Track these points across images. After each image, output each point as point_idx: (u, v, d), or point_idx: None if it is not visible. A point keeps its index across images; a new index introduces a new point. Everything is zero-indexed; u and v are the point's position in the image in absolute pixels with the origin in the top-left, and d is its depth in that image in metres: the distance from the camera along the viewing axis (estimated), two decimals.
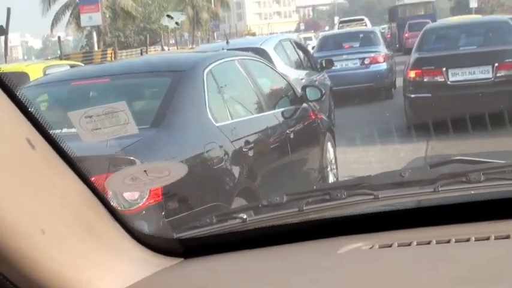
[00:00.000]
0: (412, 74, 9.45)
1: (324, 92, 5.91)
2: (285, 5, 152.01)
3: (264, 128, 4.68)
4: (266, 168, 4.41)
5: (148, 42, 40.46)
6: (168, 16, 7.11)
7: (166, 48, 28.00)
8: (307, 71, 9.94)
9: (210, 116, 3.97)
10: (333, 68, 13.01)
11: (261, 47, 8.64)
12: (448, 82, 9.21)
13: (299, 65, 9.64)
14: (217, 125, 3.99)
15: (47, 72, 8.02)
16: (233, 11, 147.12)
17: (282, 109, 5.36)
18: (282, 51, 9.03)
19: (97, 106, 1.41)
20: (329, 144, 6.38)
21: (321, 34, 18.47)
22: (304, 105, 5.87)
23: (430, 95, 9.25)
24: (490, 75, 9.16)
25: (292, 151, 5.01)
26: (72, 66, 9.11)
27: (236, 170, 3.93)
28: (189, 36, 49.91)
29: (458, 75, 9.24)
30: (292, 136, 5.12)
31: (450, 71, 9.23)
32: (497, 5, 69.37)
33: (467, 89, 9.11)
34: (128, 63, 5.44)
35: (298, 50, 9.90)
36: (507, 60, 9.22)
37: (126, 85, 4.13)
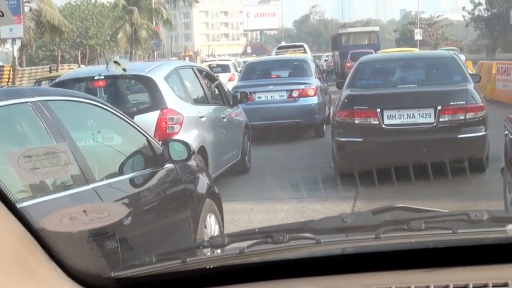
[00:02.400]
0: (341, 113, 8.30)
1: (192, 150, 4.20)
2: (233, 27, 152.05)
3: None
4: None
5: (87, 58, 38.51)
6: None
7: (83, 66, 26.00)
8: (215, 107, 8.52)
9: None
10: (257, 99, 11.75)
11: (148, 75, 7.00)
12: (383, 126, 8.09)
13: (202, 99, 8.25)
14: None
15: None
16: (181, 31, 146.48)
17: (120, 178, 3.62)
18: (176, 82, 7.54)
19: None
20: (211, 217, 4.67)
21: (249, 61, 16.99)
22: (168, 166, 4.12)
23: (361, 139, 8.17)
24: (431, 119, 8.05)
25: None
26: None
27: None
28: (133, 55, 48.39)
29: (395, 118, 8.12)
30: (128, 221, 3.35)
31: (386, 113, 8.11)
32: (441, 38, 70.10)
33: (404, 135, 8.05)
34: None
35: (203, 81, 8.24)
36: (452, 103, 8.08)
37: None
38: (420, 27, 56.22)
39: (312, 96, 12.19)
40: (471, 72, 10.58)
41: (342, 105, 8.38)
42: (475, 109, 8.05)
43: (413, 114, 8.08)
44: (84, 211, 1.40)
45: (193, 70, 8.27)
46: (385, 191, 7.61)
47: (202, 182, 4.79)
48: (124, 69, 6.81)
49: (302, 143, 11.99)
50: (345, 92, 8.68)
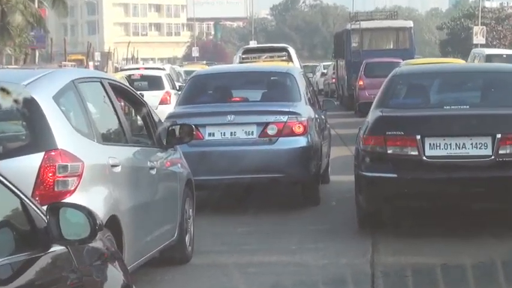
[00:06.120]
0: (370, 140, 9.97)
1: (98, 222, 4.29)
2: (170, 14, 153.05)
3: None
4: None
5: None
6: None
7: None
8: (137, 148, 8.70)
9: None
10: (208, 138, 11.92)
11: (27, 91, 6.96)
12: (424, 158, 9.66)
13: (117, 136, 8.34)
14: None
15: None
16: (82, 17, 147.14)
17: None
18: (74, 105, 7.58)
19: None
20: None
21: (196, 71, 17.16)
22: (57, 250, 4.32)
23: (395, 175, 9.77)
24: (488, 151, 9.60)
25: None
26: None
27: None
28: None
29: (439, 149, 9.68)
30: None
31: (428, 141, 9.67)
32: None
33: (452, 171, 9.67)
34: None
35: (118, 104, 8.36)
36: None
37: None
38: (483, 24, 57.24)
39: (301, 134, 12.30)
40: None
41: (370, 130, 10.05)
42: None
43: (464, 144, 9.65)
44: None
45: (102, 86, 8.30)
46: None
47: (113, 279, 4.84)
48: (16, 101, 6.93)
49: (282, 214, 12.11)
50: (374, 113, 10.40)
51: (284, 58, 27.74)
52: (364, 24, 39.93)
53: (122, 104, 9.13)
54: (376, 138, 9.85)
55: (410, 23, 41.09)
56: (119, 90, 8.85)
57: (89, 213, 4.30)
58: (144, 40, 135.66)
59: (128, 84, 12.03)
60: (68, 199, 6.53)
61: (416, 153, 9.63)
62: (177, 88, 26.59)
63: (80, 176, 7.04)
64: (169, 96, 24.97)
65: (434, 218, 10.43)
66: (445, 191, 9.72)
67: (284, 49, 30.00)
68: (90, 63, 48.42)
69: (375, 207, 10.24)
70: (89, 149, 7.34)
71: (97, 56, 78.81)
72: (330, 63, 54.21)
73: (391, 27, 40.28)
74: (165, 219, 8.83)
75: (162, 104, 23.42)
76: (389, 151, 9.74)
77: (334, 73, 45.93)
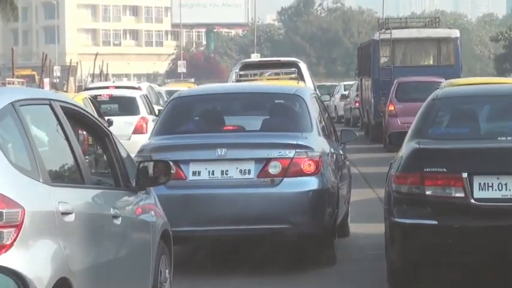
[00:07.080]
0: (403, 179, 10.20)
1: None
2: (150, 19, 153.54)
3: None
4: None
5: None
6: None
7: None
8: (98, 191, 8.62)
9: None
10: (191, 178, 12.08)
11: None
12: (472, 201, 9.89)
13: (71, 175, 8.30)
14: None
15: None
16: (37, 22, 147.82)
17: None
18: (13, 133, 7.55)
19: None
20: None
21: (179, 91, 17.25)
22: None
23: (435, 222, 9.97)
24: None
25: None
26: None
27: None
28: None
29: (491, 189, 9.92)
30: None
31: (477, 180, 9.91)
32: None
33: (507, 218, 9.84)
34: None
35: (72, 134, 8.34)
36: None
37: None
38: None
39: (311, 173, 12.35)
40: None
41: (404, 166, 10.31)
42: None
43: None
44: None
45: (52, 109, 8.25)
46: None
47: None
48: None
49: (287, 277, 12.10)
50: (409, 145, 10.68)
51: (293, 76, 27.69)
52: (397, 34, 40.10)
53: (85, 133, 9.04)
54: (412, 176, 10.06)
55: (456, 33, 41.18)
56: (74, 116, 8.79)
57: (21, 280, 4.20)
58: (117, 51, 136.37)
59: (91, 108, 11.95)
60: (2, 257, 6.42)
61: (462, 194, 9.84)
62: (156, 113, 26.65)
63: (19, 227, 6.90)
64: (146, 124, 25.03)
65: (485, 276, 10.38)
66: (498, 242, 9.81)
67: (293, 64, 30.00)
68: (46, 80, 48.43)
69: (411, 263, 10.37)
70: (32, 192, 7.24)
71: (57, 70, 79.03)
72: (352, 82, 54.44)
73: (431, 38, 40.43)
74: (133, 282, 8.79)
75: (136, 133, 23.53)
76: (428, 192, 9.94)
77: (357, 95, 46.21)
